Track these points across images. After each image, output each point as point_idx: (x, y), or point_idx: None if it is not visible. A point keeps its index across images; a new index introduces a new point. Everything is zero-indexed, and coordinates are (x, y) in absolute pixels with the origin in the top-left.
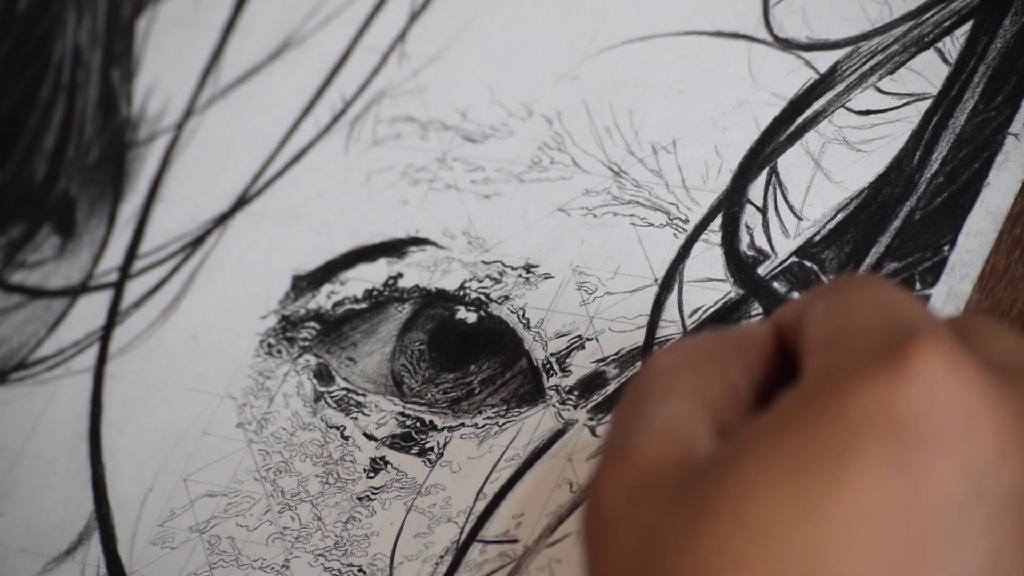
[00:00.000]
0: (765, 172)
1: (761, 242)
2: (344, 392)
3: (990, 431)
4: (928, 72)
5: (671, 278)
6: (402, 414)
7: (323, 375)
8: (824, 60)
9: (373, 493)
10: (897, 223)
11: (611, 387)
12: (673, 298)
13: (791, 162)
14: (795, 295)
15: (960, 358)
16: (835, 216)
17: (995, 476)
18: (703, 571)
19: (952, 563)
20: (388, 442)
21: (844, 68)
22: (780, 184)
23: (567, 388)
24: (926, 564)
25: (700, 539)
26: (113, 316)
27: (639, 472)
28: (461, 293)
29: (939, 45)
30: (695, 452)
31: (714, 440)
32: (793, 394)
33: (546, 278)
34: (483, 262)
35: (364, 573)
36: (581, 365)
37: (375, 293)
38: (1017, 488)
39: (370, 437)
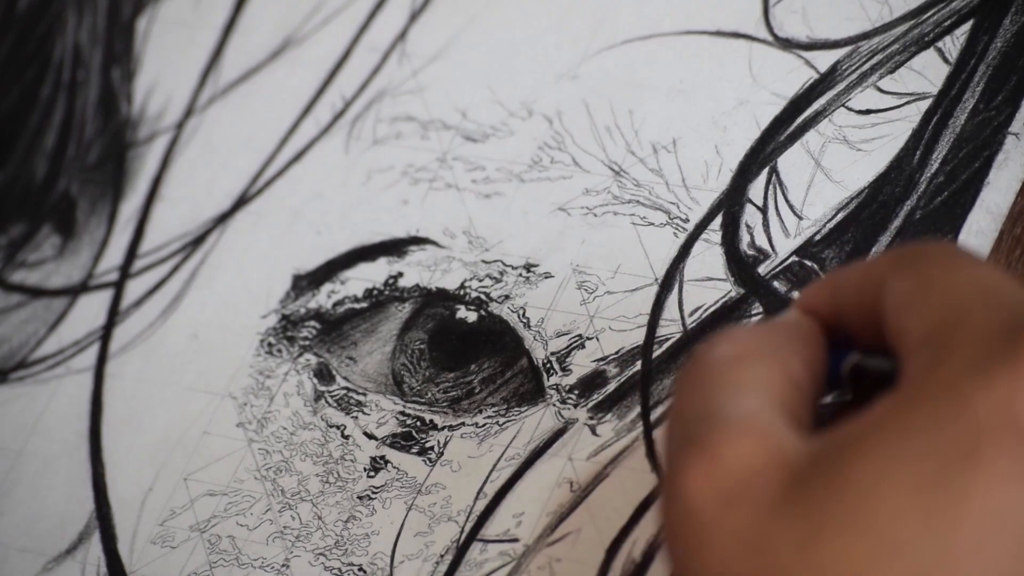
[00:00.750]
0: (765, 171)
1: (761, 241)
2: (344, 391)
3: None
4: (928, 71)
5: (671, 277)
6: (402, 413)
7: (323, 374)
8: (824, 59)
9: (373, 492)
10: (897, 222)
11: (611, 386)
12: (673, 297)
13: (791, 161)
14: (796, 295)
15: None
16: (835, 215)
17: None
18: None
19: None
20: (388, 441)
21: (844, 67)
22: (780, 183)
23: (567, 387)
24: None
25: (820, 549)
26: (113, 315)
27: (729, 473)
28: (461, 292)
29: (939, 44)
30: (786, 451)
31: (800, 437)
32: (902, 394)
33: (546, 277)
34: (483, 261)
35: (364, 572)
36: (581, 364)
37: (375, 292)
38: None
39: (370, 436)
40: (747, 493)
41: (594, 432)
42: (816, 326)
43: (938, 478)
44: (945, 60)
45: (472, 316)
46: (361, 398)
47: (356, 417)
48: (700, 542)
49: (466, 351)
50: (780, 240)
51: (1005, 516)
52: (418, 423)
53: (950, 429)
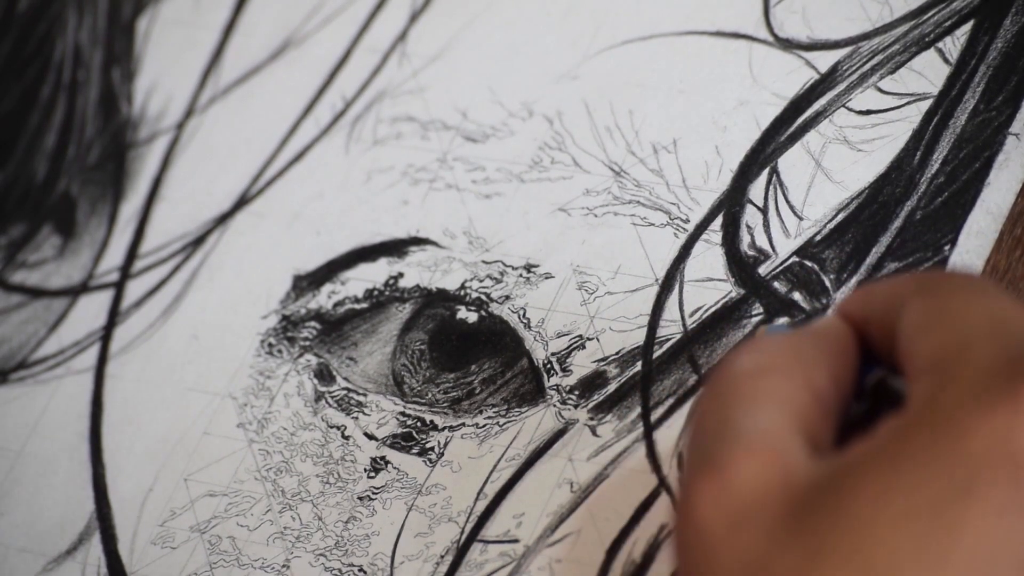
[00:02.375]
0: (766, 172)
1: (762, 242)
2: (345, 392)
3: None
4: (929, 72)
5: (672, 278)
6: (403, 414)
7: (324, 375)
8: (825, 60)
9: (374, 493)
10: (898, 223)
11: (611, 387)
12: (674, 298)
13: (792, 162)
14: (796, 295)
15: None
16: (836, 216)
17: None
18: None
19: None
20: (389, 442)
21: (845, 68)
22: (781, 184)
23: (568, 388)
24: None
25: (815, 571)
26: (114, 316)
27: (737, 494)
28: (462, 293)
29: (940, 45)
30: (795, 473)
31: (811, 457)
32: (904, 420)
33: (547, 278)
34: (484, 262)
35: (365, 573)
36: (582, 365)
37: (376, 293)
38: None
39: (371, 437)
40: (753, 516)
41: (594, 433)
42: (851, 334)
43: (932, 509)
44: (946, 61)
45: (472, 317)
46: (361, 399)
47: (356, 418)
48: (707, 562)
49: (466, 352)
50: (780, 240)
51: (998, 549)
52: (418, 424)
53: (946, 459)
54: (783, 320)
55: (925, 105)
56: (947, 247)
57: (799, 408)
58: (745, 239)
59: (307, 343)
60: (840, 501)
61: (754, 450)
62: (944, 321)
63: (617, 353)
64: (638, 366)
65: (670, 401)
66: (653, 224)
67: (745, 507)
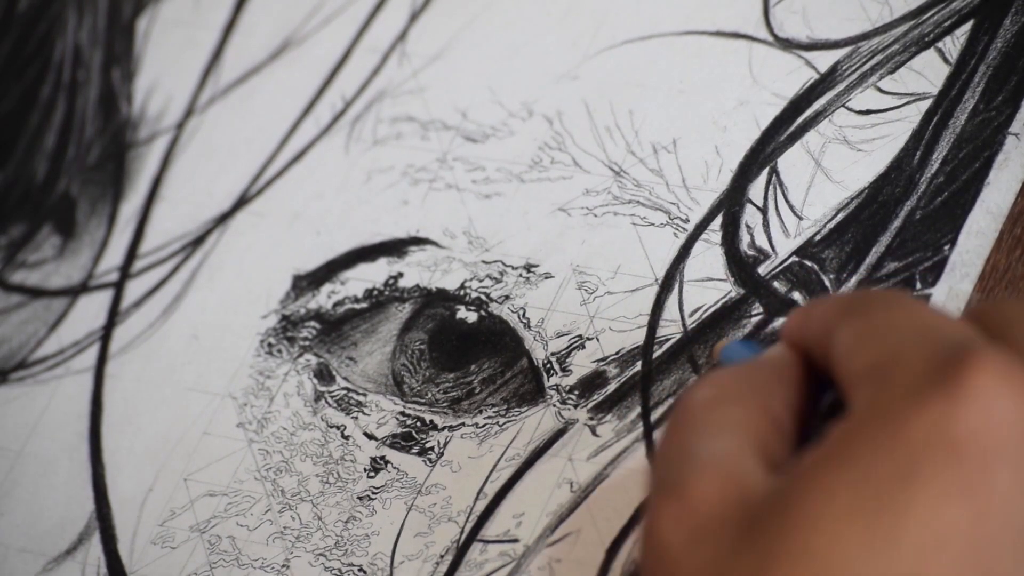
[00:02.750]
0: (765, 172)
1: (761, 242)
2: (344, 392)
3: None
4: (928, 72)
5: (671, 278)
6: (402, 414)
7: (323, 375)
8: (824, 60)
9: (373, 493)
10: (897, 223)
11: (611, 386)
12: (673, 298)
13: (791, 162)
14: (796, 295)
15: (1011, 370)
16: (835, 216)
17: None
18: None
19: None
20: (388, 442)
21: (844, 68)
22: (780, 184)
23: (567, 388)
24: None
25: None
26: (113, 316)
27: (695, 513)
28: (461, 293)
29: (939, 45)
30: (750, 489)
31: (767, 476)
32: (844, 426)
33: (546, 278)
34: (483, 262)
35: (364, 572)
36: (581, 364)
37: (375, 293)
38: None
39: (370, 437)
40: (711, 531)
41: (594, 433)
42: (798, 361)
43: (877, 500)
44: (945, 60)
45: (472, 316)
46: (361, 398)
47: (356, 417)
48: (669, 575)
49: (466, 351)
50: (780, 240)
51: (945, 531)
52: (418, 423)
53: (888, 451)
54: (737, 336)
55: (925, 105)
56: (947, 247)
57: (755, 431)
58: (745, 239)
59: (307, 343)
60: (789, 506)
61: (711, 472)
62: (874, 337)
63: (617, 353)
64: (638, 366)
65: (670, 401)
66: (653, 224)
67: (703, 524)
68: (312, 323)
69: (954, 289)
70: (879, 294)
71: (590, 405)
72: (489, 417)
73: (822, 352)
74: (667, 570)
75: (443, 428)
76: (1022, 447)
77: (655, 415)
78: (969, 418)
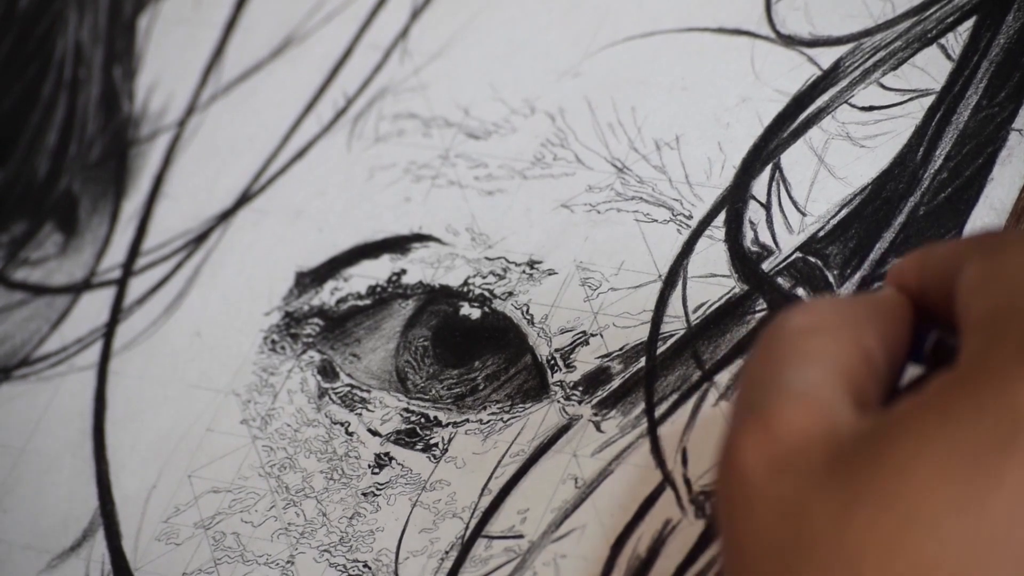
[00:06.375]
0: (769, 168)
1: (765, 238)
2: (348, 388)
3: None
4: (931, 68)
5: (675, 274)
6: (406, 410)
7: (327, 371)
8: (827, 56)
9: (378, 489)
10: (901, 219)
11: (615, 382)
12: (677, 294)
13: (795, 158)
14: (800, 291)
15: None
16: (839, 212)
17: None
18: (853, 554)
19: None
20: (393, 438)
21: (847, 64)
22: (784, 180)
23: (571, 384)
24: None
25: (851, 521)
26: (116, 313)
27: (781, 443)
28: (465, 289)
29: (942, 41)
30: (839, 425)
31: (856, 413)
32: (952, 376)
33: (550, 274)
34: (486, 258)
35: (369, 569)
36: (585, 361)
37: (379, 289)
38: None
39: (375, 433)
40: (794, 463)
41: (598, 428)
42: (905, 302)
43: (973, 461)
44: (948, 57)
45: (475, 313)
46: (365, 395)
47: (360, 414)
48: (746, 506)
49: (470, 348)
50: (784, 236)
51: None
52: (422, 420)
53: (990, 412)
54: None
55: (928, 101)
56: None
57: (846, 366)
58: (748, 235)
59: (310, 339)
60: (881, 450)
61: (799, 402)
62: (1000, 280)
63: (621, 349)
64: (642, 362)
65: (674, 397)
66: (656, 220)
67: (787, 454)
68: (315, 320)
69: None
70: (1016, 236)
71: (594, 401)
72: (493, 413)
73: (943, 290)
74: (746, 499)
75: (447, 424)
76: None
77: (659, 411)
78: None
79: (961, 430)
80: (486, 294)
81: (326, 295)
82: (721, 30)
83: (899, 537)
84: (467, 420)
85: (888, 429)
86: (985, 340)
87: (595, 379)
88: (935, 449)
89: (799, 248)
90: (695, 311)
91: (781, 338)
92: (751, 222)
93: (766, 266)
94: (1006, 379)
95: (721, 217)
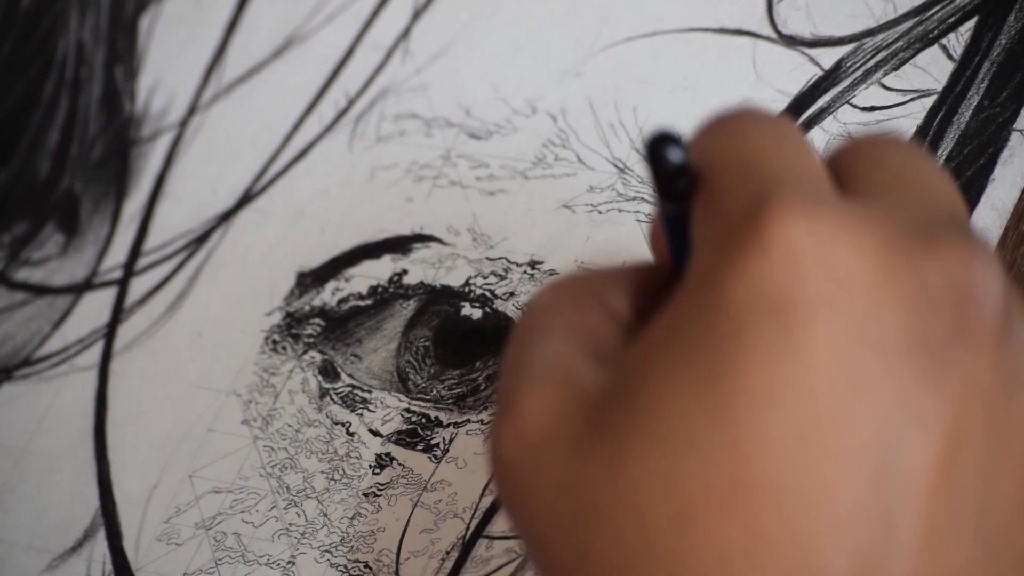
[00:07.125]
0: None
1: None
2: (349, 388)
3: (863, 280)
4: (933, 68)
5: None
6: (408, 410)
7: (328, 371)
8: (828, 57)
9: (379, 489)
10: None
11: None
12: None
13: None
14: None
15: (814, 213)
16: None
17: (881, 322)
18: (632, 495)
19: (860, 418)
20: (394, 438)
21: (848, 64)
22: None
23: None
24: (836, 430)
25: (624, 468)
26: (118, 313)
27: (533, 426)
28: (466, 290)
29: (944, 41)
30: (585, 389)
31: (600, 370)
32: (677, 297)
33: (551, 275)
34: (488, 259)
35: (370, 569)
36: None
37: (380, 290)
38: (904, 325)
39: (376, 433)
40: (552, 442)
41: None
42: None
43: (710, 370)
44: (950, 57)
45: (477, 313)
46: (366, 395)
47: (361, 414)
48: (521, 497)
49: (471, 348)
50: None
51: (778, 391)
52: (423, 420)
53: (713, 319)
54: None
55: (929, 101)
56: None
57: (589, 329)
58: None
59: (311, 340)
60: (630, 392)
61: (540, 380)
62: (705, 162)
63: None
64: None
65: None
66: None
67: (543, 437)
68: (317, 320)
69: None
70: (744, 109)
71: None
72: (494, 414)
73: None
74: (519, 491)
75: (448, 424)
76: (835, 295)
77: None
78: (776, 276)
79: (691, 344)
80: (487, 294)
81: (327, 295)
82: (723, 30)
83: (665, 463)
84: (468, 420)
85: (631, 371)
86: (699, 241)
87: None
88: (674, 370)
89: None
90: None
91: (526, 318)
92: None
93: None
94: (716, 282)
95: None
